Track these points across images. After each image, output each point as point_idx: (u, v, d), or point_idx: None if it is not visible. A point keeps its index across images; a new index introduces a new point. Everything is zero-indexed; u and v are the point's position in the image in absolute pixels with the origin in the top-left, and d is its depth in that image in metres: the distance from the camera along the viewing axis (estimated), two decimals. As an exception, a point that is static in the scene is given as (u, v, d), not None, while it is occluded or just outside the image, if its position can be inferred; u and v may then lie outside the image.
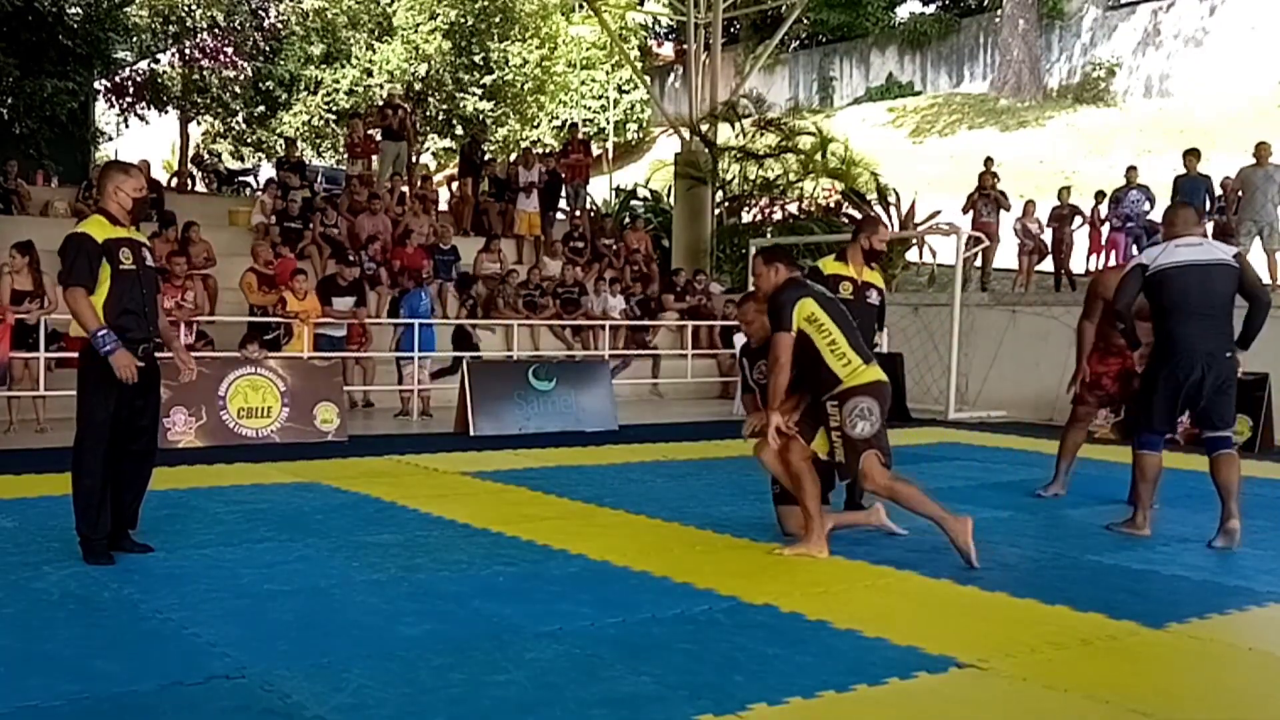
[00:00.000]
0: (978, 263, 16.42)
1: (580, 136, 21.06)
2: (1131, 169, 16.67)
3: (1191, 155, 14.67)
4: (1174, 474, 7.40)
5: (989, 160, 17.36)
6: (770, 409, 5.52)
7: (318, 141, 31.49)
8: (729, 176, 18.72)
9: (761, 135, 18.86)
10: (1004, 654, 4.13)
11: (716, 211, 18.84)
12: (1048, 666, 4.03)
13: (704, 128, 18.84)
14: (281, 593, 4.81)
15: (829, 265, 6.61)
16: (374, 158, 17.58)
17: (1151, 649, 4.30)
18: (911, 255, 19.62)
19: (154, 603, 4.60)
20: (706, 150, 18.63)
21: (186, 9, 29.32)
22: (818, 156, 18.72)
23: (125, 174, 5.38)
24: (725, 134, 19.11)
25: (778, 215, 18.82)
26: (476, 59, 31.91)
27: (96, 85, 25.85)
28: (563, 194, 18.43)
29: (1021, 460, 9.39)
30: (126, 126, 29.80)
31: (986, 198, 16.54)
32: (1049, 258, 16.79)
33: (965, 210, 16.92)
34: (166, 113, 30.14)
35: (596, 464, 8.96)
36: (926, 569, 5.44)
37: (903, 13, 36.69)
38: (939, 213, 18.75)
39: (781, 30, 21.01)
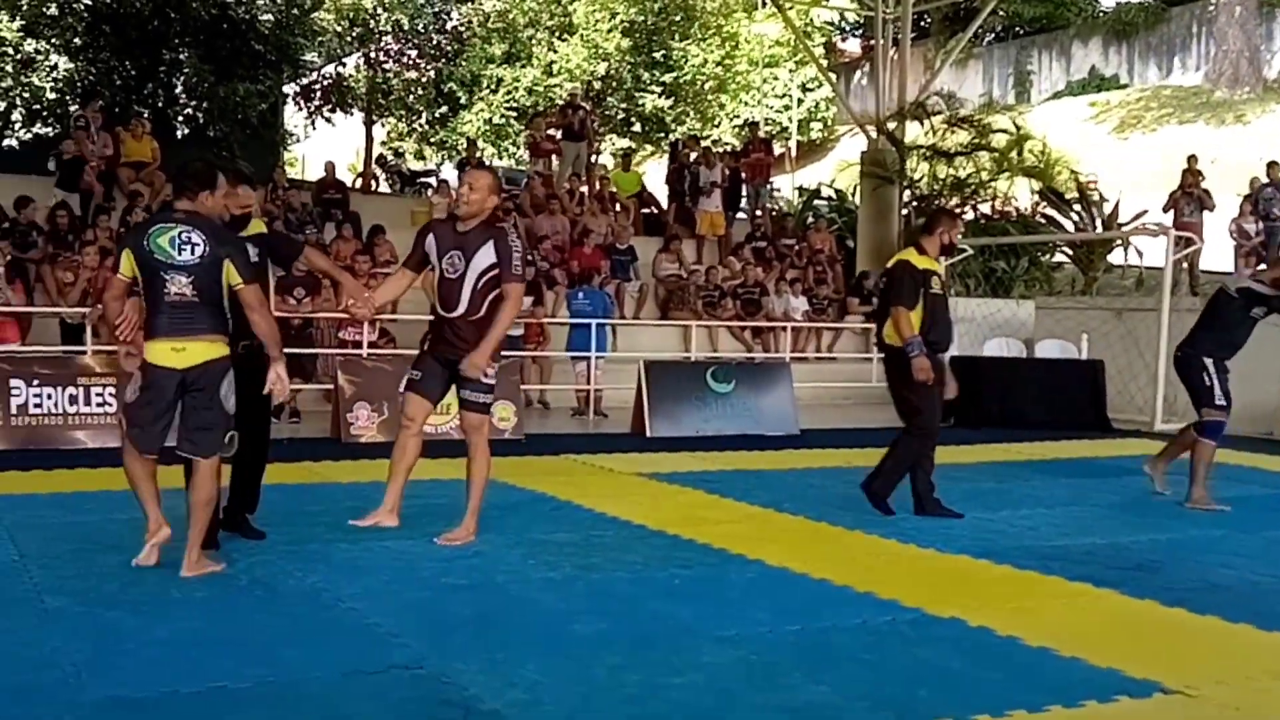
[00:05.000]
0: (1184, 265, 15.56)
1: (761, 135, 20.83)
2: (1273, 164, 15.85)
3: None
4: None
5: (1192, 158, 16.69)
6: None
7: (498, 142, 32.13)
8: (917, 176, 18.23)
9: (952, 133, 18.29)
10: (1215, 681, 3.86)
11: (904, 212, 18.36)
12: (1265, 696, 3.76)
13: (891, 126, 18.40)
14: (460, 586, 4.87)
15: (917, 259, 6.63)
16: (554, 158, 17.73)
17: (1390, 685, 3.91)
18: (1115, 257, 18.72)
19: (336, 591, 4.72)
20: (894, 149, 18.18)
21: (371, 13, 30.37)
22: (1013, 154, 18.05)
23: (233, 186, 5.31)
24: (914, 131, 18.62)
25: (969, 215, 18.22)
26: (657, 57, 32.05)
27: (285, 89, 26.99)
28: (744, 194, 18.27)
29: (1234, 476, 8.73)
30: (314, 128, 31.09)
31: (1190, 196, 15.83)
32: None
33: (1166, 209, 16.38)
34: (352, 114, 31.25)
35: (776, 468, 8.83)
36: (1128, 587, 5.13)
37: (1107, 1, 35.07)
38: (1145, 212, 17.85)
39: (976, 23, 20.27)
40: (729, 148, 23.55)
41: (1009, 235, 17.19)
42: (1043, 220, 18.96)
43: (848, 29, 37.92)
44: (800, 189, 24.72)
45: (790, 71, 33.41)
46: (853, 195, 20.26)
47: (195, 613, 4.36)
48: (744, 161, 18.42)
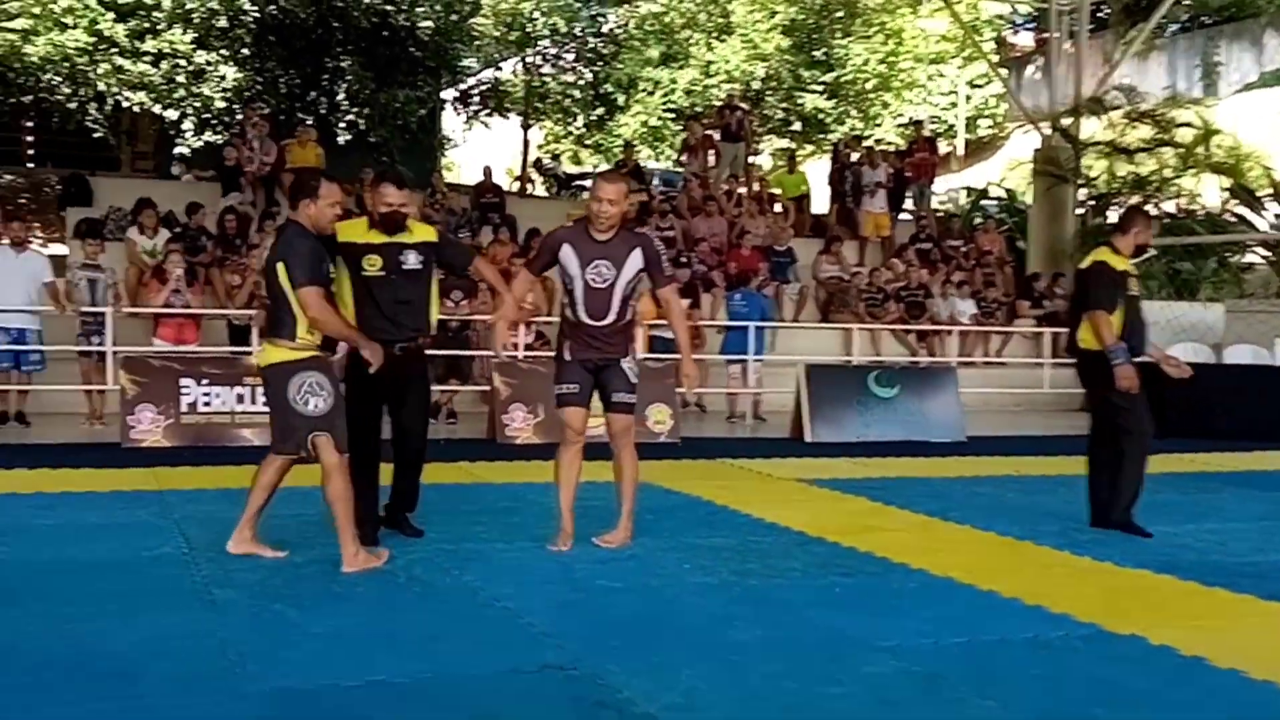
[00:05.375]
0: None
1: (926, 134, 20.27)
2: None
3: None
4: None
5: None
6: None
7: (655, 144, 32.10)
8: (1094, 174, 17.46)
9: (1133, 128, 17.46)
10: None
11: (1079, 211, 17.63)
12: None
13: (1066, 122, 17.68)
14: (614, 589, 4.86)
15: (1114, 259, 6.34)
16: (711, 159, 17.50)
17: None
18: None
19: (492, 590, 4.76)
20: (1069, 146, 17.47)
21: (528, 17, 30.78)
22: (1199, 150, 17.12)
23: (375, 187, 5.39)
24: (1090, 128, 17.86)
25: (1151, 214, 17.37)
26: (817, 56, 31.54)
27: (444, 94, 27.41)
28: (908, 194, 17.82)
29: None
30: (471, 132, 31.66)
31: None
32: None
33: None
34: (509, 119, 31.59)
35: (942, 476, 8.57)
36: (1329, 608, 4.76)
37: (1302, -12, 33.00)
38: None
39: (1159, 13, 19.30)
40: (893, 147, 23.02)
41: (1195, 235, 16.31)
42: (1233, 219, 17.93)
43: (1019, 22, 36.68)
44: (968, 189, 24.04)
45: (958, 68, 32.49)
46: (1024, 195, 19.59)
47: (356, 608, 4.46)
48: (908, 161, 17.96)
